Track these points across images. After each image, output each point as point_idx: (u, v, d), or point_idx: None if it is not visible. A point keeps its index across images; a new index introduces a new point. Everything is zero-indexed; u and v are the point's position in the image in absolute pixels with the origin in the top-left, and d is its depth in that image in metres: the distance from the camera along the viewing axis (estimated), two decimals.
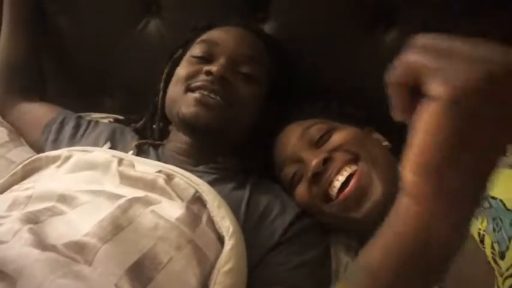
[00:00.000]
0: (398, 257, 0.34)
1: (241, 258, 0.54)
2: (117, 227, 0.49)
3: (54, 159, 0.65)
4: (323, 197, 0.67)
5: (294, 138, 0.73)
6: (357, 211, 0.63)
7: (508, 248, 0.52)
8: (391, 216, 0.35)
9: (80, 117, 0.87)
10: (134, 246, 0.49)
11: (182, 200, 0.57)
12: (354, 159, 0.66)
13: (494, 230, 0.54)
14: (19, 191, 0.59)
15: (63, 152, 0.65)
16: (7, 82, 0.91)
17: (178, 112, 0.71)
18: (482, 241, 0.54)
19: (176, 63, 0.80)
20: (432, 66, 0.29)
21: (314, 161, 0.66)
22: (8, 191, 0.62)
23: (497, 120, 0.28)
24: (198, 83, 0.70)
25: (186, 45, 0.82)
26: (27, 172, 0.65)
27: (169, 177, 0.60)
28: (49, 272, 0.42)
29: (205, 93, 0.69)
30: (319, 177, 0.67)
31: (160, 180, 0.58)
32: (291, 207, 0.69)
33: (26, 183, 0.62)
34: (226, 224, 0.55)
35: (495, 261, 0.52)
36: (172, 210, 0.54)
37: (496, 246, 0.53)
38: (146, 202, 0.55)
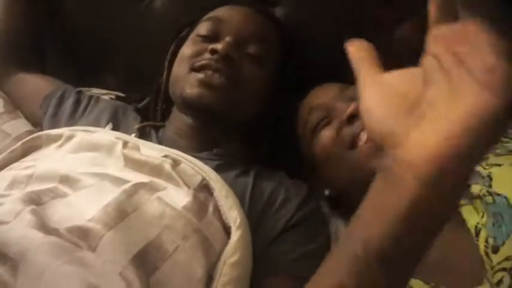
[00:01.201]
0: None
1: (247, 250, 0.54)
2: (122, 213, 0.48)
3: (55, 138, 0.63)
4: (350, 143, 0.66)
5: (332, 92, 0.72)
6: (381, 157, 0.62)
7: (503, 243, 0.53)
8: None
9: (80, 92, 0.84)
10: (139, 233, 0.47)
11: (189, 187, 0.55)
12: None
13: (493, 225, 0.55)
14: (18, 170, 0.57)
15: (64, 131, 0.63)
16: (4, 50, 0.88)
17: (181, 92, 0.69)
18: (477, 234, 0.55)
19: (181, 43, 0.77)
20: None
21: (353, 103, 0.66)
22: (7, 168, 0.60)
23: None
24: (202, 62, 0.68)
25: (192, 24, 0.79)
26: (27, 150, 0.63)
27: (175, 163, 0.58)
28: (53, 258, 0.41)
29: (210, 72, 0.67)
30: (354, 120, 0.67)
31: (167, 166, 0.57)
32: (295, 195, 0.67)
33: (26, 162, 0.60)
34: (233, 214, 0.54)
35: (487, 255, 0.53)
36: (179, 197, 0.53)
37: (490, 240, 0.54)
38: (151, 188, 0.53)
